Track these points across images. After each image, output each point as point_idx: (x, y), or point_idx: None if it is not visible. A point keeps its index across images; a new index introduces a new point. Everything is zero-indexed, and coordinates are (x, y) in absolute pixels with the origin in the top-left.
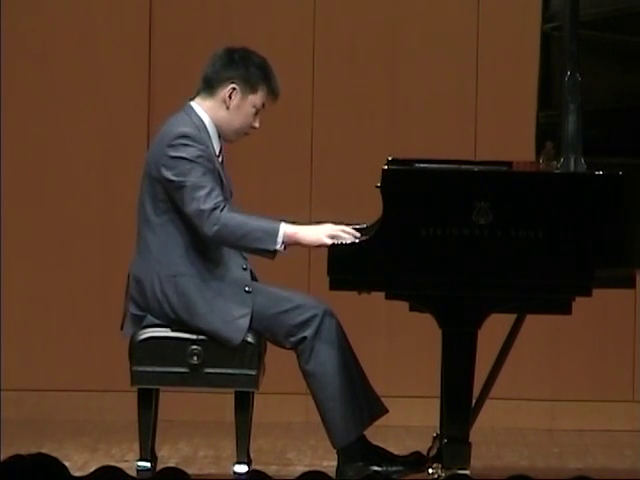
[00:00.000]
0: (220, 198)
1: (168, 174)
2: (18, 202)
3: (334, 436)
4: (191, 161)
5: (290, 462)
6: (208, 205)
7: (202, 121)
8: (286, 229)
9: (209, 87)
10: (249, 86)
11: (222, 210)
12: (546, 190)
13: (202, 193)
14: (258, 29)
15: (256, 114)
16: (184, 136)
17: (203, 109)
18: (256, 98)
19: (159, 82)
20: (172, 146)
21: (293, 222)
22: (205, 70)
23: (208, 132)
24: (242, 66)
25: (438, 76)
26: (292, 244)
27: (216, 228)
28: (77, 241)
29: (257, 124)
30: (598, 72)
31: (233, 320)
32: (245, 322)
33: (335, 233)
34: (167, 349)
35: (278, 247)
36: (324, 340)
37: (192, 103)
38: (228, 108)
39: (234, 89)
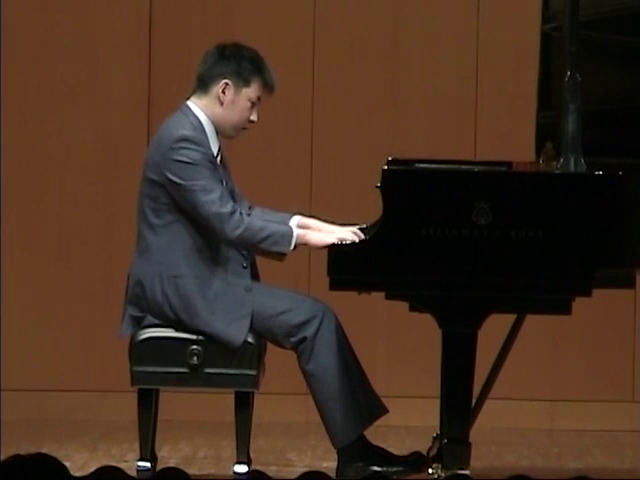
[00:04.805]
0: (232, 201)
1: (174, 178)
2: (18, 202)
3: (334, 436)
4: (195, 165)
5: (290, 462)
6: (227, 208)
7: (199, 120)
8: (298, 231)
9: (203, 85)
10: (242, 80)
11: (241, 213)
12: (546, 190)
13: (215, 196)
14: (258, 29)
15: (252, 107)
16: (185, 139)
17: (199, 108)
18: (250, 91)
19: (159, 82)
20: (174, 149)
21: (311, 216)
22: (198, 69)
23: (206, 132)
24: (233, 61)
25: (438, 76)
26: (301, 244)
27: (239, 231)
28: (77, 241)
29: (254, 117)
30: (598, 72)
31: (233, 321)
32: (246, 323)
33: (344, 236)
34: (167, 349)
35: (291, 249)
36: (324, 340)
37: (189, 102)
38: (223, 104)
39: (227, 84)
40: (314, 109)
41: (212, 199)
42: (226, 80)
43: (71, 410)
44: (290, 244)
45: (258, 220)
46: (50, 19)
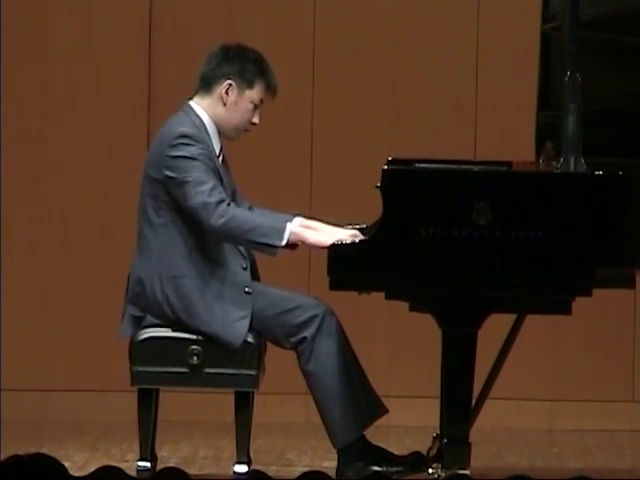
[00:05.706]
0: (224, 194)
1: (170, 173)
2: (18, 202)
3: (334, 436)
4: (192, 159)
5: (290, 462)
6: (214, 198)
7: (201, 120)
8: (292, 227)
9: (206, 85)
10: (245, 81)
11: (229, 204)
12: (546, 190)
13: (206, 187)
14: (258, 29)
15: (254, 110)
16: (184, 136)
17: (202, 108)
18: (253, 93)
19: (159, 82)
20: (172, 146)
21: (311, 217)
22: (202, 68)
23: (208, 131)
24: (237, 62)
25: (438, 76)
26: (297, 242)
27: (223, 220)
28: (77, 241)
29: (256, 120)
30: (598, 72)
31: (233, 323)
32: (245, 324)
33: (343, 238)
34: (167, 349)
35: (283, 243)
36: (324, 340)
37: (191, 102)
38: (225, 105)
39: (230, 85)
40: (314, 109)
41: (202, 190)
42: (230, 81)
43: (71, 410)
44: (282, 238)
45: (247, 212)
46: (50, 19)
